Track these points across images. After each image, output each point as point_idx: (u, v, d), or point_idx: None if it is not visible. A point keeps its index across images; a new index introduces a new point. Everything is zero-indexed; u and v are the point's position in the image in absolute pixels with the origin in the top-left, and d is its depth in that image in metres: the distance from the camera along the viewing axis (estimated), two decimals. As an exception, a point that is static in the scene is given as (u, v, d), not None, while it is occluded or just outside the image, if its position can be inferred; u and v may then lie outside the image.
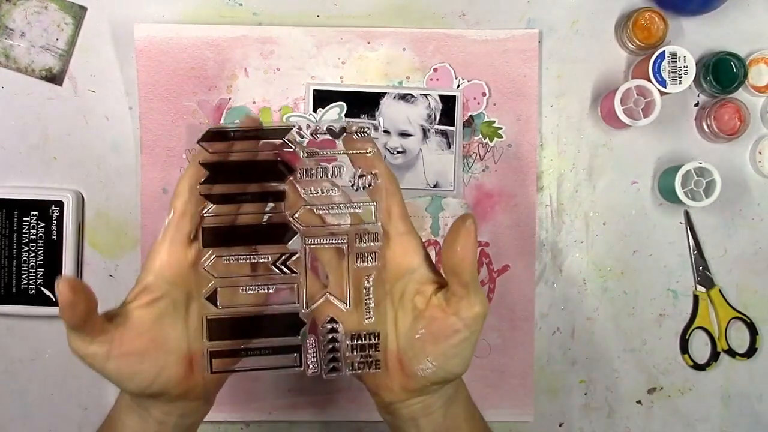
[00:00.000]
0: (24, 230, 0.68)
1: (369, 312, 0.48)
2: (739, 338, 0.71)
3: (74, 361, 0.70)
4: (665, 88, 0.65)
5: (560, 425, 0.71)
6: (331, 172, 0.47)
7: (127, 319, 0.46)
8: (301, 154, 0.47)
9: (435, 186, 0.69)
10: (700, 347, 0.71)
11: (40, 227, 0.68)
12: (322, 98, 0.68)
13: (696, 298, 0.70)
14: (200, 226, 0.47)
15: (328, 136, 0.47)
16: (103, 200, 0.70)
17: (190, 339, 0.47)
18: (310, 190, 0.48)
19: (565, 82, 0.70)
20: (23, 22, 0.69)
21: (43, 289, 0.68)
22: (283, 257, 0.48)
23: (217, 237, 0.47)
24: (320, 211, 0.48)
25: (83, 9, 0.69)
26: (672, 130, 0.70)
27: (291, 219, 0.48)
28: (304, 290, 0.48)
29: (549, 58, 0.70)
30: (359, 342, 0.48)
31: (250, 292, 0.48)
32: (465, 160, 0.69)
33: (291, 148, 0.47)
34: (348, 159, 0.48)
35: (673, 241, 0.70)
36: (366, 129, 0.47)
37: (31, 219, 0.68)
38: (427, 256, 0.48)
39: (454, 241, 0.44)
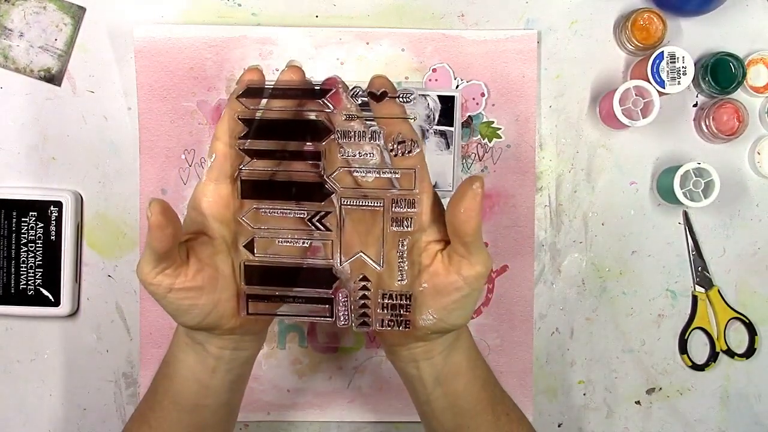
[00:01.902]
0: (23, 231, 0.68)
1: (402, 275, 0.48)
2: (738, 338, 0.71)
3: (73, 361, 0.70)
4: (664, 88, 0.65)
5: (559, 425, 0.71)
6: (369, 135, 0.47)
7: (189, 256, 0.47)
8: (340, 115, 0.47)
9: (434, 186, 0.69)
10: (699, 347, 0.71)
11: (39, 228, 0.68)
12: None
13: (695, 299, 0.70)
14: (239, 178, 0.47)
15: (367, 99, 0.46)
16: (101, 201, 0.70)
17: (238, 277, 0.49)
18: (348, 152, 0.47)
19: (563, 83, 0.70)
20: (22, 22, 0.69)
21: (41, 289, 0.68)
22: (319, 214, 0.48)
23: (254, 190, 0.48)
24: (357, 174, 0.48)
25: (82, 9, 0.69)
26: (671, 131, 0.70)
27: (327, 179, 0.47)
28: (338, 247, 0.49)
29: (548, 58, 0.70)
30: (390, 301, 0.49)
31: (285, 244, 0.49)
32: (464, 161, 0.69)
33: (330, 108, 0.46)
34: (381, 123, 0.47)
35: (672, 241, 0.70)
36: (410, 93, 0.46)
37: (29, 219, 0.68)
38: (440, 215, 0.49)
39: (459, 203, 0.44)
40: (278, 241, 0.49)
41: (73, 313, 0.69)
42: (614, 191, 0.70)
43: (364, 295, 0.49)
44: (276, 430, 0.71)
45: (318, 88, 0.46)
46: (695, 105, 0.70)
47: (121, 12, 0.69)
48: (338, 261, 0.49)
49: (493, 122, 0.69)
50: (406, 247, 0.48)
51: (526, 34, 0.69)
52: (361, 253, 0.49)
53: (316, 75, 0.69)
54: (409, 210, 0.47)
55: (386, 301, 0.49)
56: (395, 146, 0.46)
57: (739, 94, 0.69)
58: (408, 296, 0.49)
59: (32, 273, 0.68)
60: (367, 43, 0.69)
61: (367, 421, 0.70)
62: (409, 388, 0.54)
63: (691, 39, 0.70)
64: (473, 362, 0.53)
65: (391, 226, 0.48)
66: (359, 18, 0.69)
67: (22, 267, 0.68)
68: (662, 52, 0.65)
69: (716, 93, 0.68)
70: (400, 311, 0.49)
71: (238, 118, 0.47)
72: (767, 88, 0.69)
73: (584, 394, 0.71)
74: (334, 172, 0.48)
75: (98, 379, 0.70)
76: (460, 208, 0.44)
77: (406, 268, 0.48)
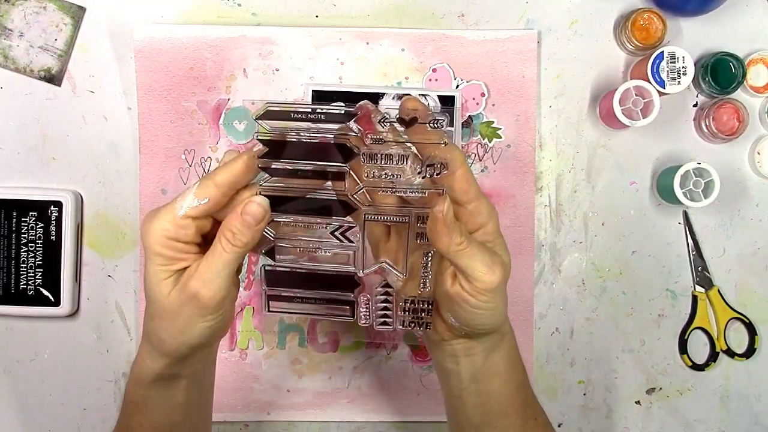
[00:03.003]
0: (23, 231, 0.68)
1: (425, 283, 0.50)
2: (738, 338, 0.71)
3: (73, 362, 0.70)
4: (664, 88, 0.65)
5: (559, 425, 0.71)
6: (396, 159, 0.47)
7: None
8: (366, 139, 0.47)
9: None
10: (699, 347, 0.71)
11: (39, 228, 0.68)
12: (321, 99, 0.68)
13: (695, 299, 0.70)
14: (258, 194, 0.48)
15: (396, 125, 0.47)
16: (102, 201, 0.69)
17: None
18: (373, 174, 0.47)
19: (563, 83, 0.70)
20: (22, 22, 0.69)
21: (41, 289, 0.68)
22: (342, 228, 0.49)
23: (275, 204, 0.48)
24: (384, 194, 0.48)
25: (82, 9, 0.69)
26: (671, 131, 0.70)
27: (351, 197, 0.48)
28: (361, 257, 0.50)
29: (548, 58, 0.70)
30: (412, 306, 0.50)
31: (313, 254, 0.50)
32: (464, 161, 0.69)
33: (355, 132, 0.47)
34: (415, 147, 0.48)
35: (672, 241, 0.70)
36: (440, 120, 0.46)
37: (29, 219, 0.68)
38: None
39: (429, 231, 0.46)
40: (299, 250, 0.50)
41: (73, 313, 0.69)
42: (614, 191, 0.70)
43: (386, 299, 0.51)
44: (276, 430, 0.71)
45: (346, 111, 0.46)
46: (695, 105, 0.70)
47: (121, 12, 0.69)
48: (361, 269, 0.50)
49: (493, 122, 0.69)
50: (430, 258, 0.49)
51: (526, 34, 0.69)
52: (385, 263, 0.51)
53: (316, 75, 0.69)
54: None
55: (408, 305, 0.50)
56: (424, 168, 0.46)
57: (739, 94, 0.69)
58: (430, 302, 0.50)
59: (32, 273, 0.68)
60: (367, 43, 0.69)
61: (367, 421, 0.70)
62: (442, 381, 0.55)
63: (691, 39, 0.70)
64: (512, 365, 0.53)
65: (416, 240, 0.49)
66: (359, 18, 0.69)
67: (22, 267, 0.68)
68: (662, 52, 0.65)
69: (716, 93, 0.68)
70: (421, 315, 0.50)
71: (258, 139, 0.47)
72: (767, 88, 0.69)
73: (584, 394, 0.71)
74: (358, 191, 0.48)
75: (98, 379, 0.70)
76: (428, 226, 0.46)
77: (429, 277, 0.50)
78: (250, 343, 0.70)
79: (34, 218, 0.68)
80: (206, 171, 0.69)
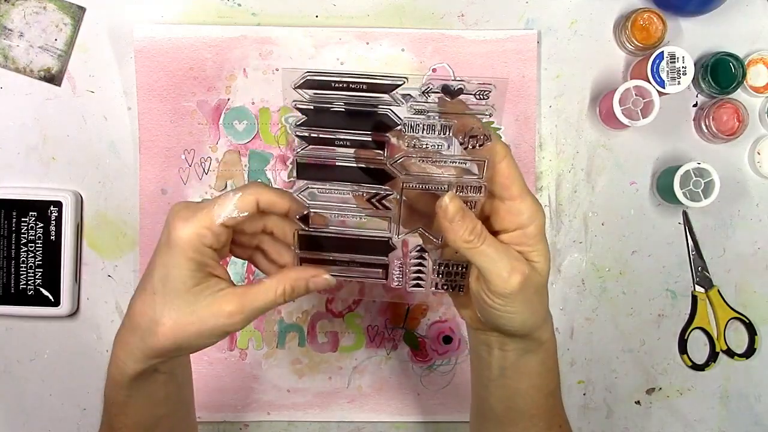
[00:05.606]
0: (23, 231, 0.68)
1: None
2: (738, 338, 0.71)
3: (73, 362, 0.70)
4: (664, 88, 0.65)
5: (559, 426, 0.71)
6: (438, 129, 0.47)
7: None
8: (408, 110, 0.47)
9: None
10: (699, 347, 0.71)
11: (39, 228, 0.68)
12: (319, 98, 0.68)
13: (694, 299, 0.70)
14: (294, 162, 0.48)
15: (440, 95, 0.46)
16: (101, 200, 0.69)
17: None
18: (414, 144, 0.47)
19: (563, 83, 0.70)
20: (22, 22, 0.69)
21: (41, 289, 0.68)
22: (378, 195, 0.49)
23: (310, 171, 0.48)
24: (423, 163, 0.48)
25: (82, 9, 0.69)
26: (670, 131, 0.70)
27: (389, 166, 0.48)
28: (398, 223, 0.50)
29: (548, 58, 0.70)
30: (446, 269, 0.51)
31: (341, 218, 0.50)
32: (464, 161, 0.69)
33: (398, 104, 0.47)
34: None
35: (672, 241, 0.70)
36: (487, 92, 0.46)
37: (29, 219, 0.68)
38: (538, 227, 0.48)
39: (444, 234, 0.46)
40: (333, 215, 0.50)
41: (73, 313, 0.69)
42: (614, 191, 0.70)
43: (420, 262, 0.52)
44: (276, 430, 0.71)
45: (385, 83, 0.46)
46: (695, 105, 0.70)
47: (121, 12, 0.69)
48: (396, 234, 0.50)
49: (493, 122, 0.69)
50: None
51: (526, 34, 0.69)
52: (421, 229, 0.50)
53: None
54: (474, 195, 0.48)
55: (442, 268, 0.51)
56: (467, 139, 0.46)
57: (739, 94, 0.69)
58: (464, 265, 0.50)
59: (32, 273, 0.68)
60: (367, 43, 0.69)
61: (367, 421, 0.70)
62: (473, 367, 0.55)
63: (691, 39, 0.70)
64: (546, 371, 0.52)
65: None
66: (359, 18, 0.69)
67: (22, 267, 0.68)
68: (662, 52, 0.65)
69: (716, 93, 0.68)
70: (455, 278, 0.51)
71: (296, 108, 0.47)
72: (767, 88, 0.69)
73: (584, 394, 0.71)
74: (397, 160, 0.48)
75: (98, 379, 0.70)
76: (447, 237, 0.45)
77: None
78: (249, 343, 0.70)
79: (34, 218, 0.68)
80: (206, 171, 0.69)
